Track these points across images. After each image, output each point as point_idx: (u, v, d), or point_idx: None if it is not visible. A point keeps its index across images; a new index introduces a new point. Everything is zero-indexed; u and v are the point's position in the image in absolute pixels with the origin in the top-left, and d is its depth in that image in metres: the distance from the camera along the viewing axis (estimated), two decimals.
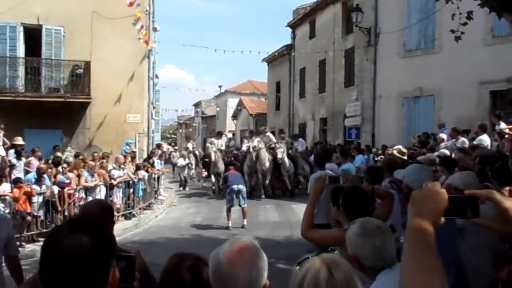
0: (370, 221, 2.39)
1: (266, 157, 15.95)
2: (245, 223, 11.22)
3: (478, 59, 13.49)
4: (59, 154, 13.45)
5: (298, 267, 1.62)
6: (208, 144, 18.67)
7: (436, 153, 9.22)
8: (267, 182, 16.51)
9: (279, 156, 15.60)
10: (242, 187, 11.21)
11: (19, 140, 12.48)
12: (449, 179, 4.43)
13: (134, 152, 15.18)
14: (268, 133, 17.75)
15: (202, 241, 9.64)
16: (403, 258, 1.22)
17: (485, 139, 9.81)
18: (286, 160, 16.08)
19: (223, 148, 18.43)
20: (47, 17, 15.94)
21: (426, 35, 15.92)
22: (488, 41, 13.63)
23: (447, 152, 8.89)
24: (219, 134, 19.89)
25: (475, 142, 9.67)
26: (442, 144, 10.74)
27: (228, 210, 11.16)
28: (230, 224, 11.06)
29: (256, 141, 16.13)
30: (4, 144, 12.32)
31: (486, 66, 13.30)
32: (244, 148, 17.08)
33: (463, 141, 10.39)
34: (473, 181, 3.77)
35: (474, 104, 13.84)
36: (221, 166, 16.81)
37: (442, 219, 1.27)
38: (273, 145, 16.53)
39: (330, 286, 1.52)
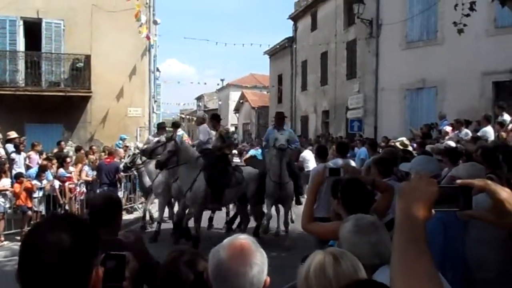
0: (364, 218, 2.34)
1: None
2: None
3: (481, 50, 13.37)
4: (63, 149, 13.30)
5: (302, 264, 1.59)
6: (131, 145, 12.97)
7: (443, 144, 9.12)
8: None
9: None
10: None
11: (13, 134, 12.38)
12: (452, 170, 4.36)
13: (127, 146, 14.82)
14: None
15: (204, 236, 9.59)
16: (392, 257, 1.11)
17: (489, 131, 9.72)
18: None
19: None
20: (47, 10, 15.89)
21: (428, 26, 15.78)
22: (491, 31, 13.49)
23: (452, 143, 8.80)
24: (160, 129, 12.00)
25: (479, 134, 9.58)
26: (447, 137, 10.65)
27: None
28: None
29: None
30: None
31: (489, 57, 13.17)
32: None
33: (466, 132, 10.29)
34: (480, 173, 3.61)
35: (477, 95, 13.73)
36: (151, 177, 10.06)
37: (433, 211, 1.17)
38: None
39: (337, 272, 1.48)
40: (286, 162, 8.44)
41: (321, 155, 7.61)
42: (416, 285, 1.03)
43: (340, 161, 6.82)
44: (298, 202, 9.32)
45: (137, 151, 10.56)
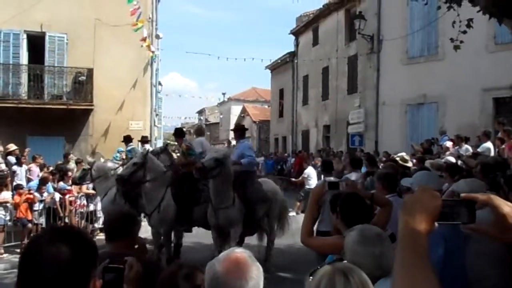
0: (370, 229, 2.35)
1: None
2: None
3: (481, 66, 13.44)
4: (68, 162, 13.20)
5: (310, 278, 1.58)
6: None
7: (443, 160, 9.13)
8: None
9: None
10: None
11: (12, 147, 12.35)
12: (453, 185, 4.36)
13: (124, 159, 14.64)
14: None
15: (202, 248, 9.55)
16: (394, 268, 1.12)
17: (489, 147, 9.72)
18: None
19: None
20: (50, 24, 16.03)
21: (429, 42, 15.88)
22: (491, 48, 13.58)
23: (452, 159, 8.82)
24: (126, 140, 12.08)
25: (479, 150, 9.58)
26: (447, 153, 10.66)
27: None
28: None
29: None
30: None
31: (489, 73, 13.24)
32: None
33: (467, 148, 10.30)
34: (480, 188, 3.60)
35: (477, 111, 13.76)
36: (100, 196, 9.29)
37: (436, 224, 1.17)
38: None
39: None
40: (228, 183, 7.07)
41: (326, 169, 7.62)
42: None
43: (354, 175, 6.89)
44: (250, 232, 8.15)
45: (87, 166, 9.37)
